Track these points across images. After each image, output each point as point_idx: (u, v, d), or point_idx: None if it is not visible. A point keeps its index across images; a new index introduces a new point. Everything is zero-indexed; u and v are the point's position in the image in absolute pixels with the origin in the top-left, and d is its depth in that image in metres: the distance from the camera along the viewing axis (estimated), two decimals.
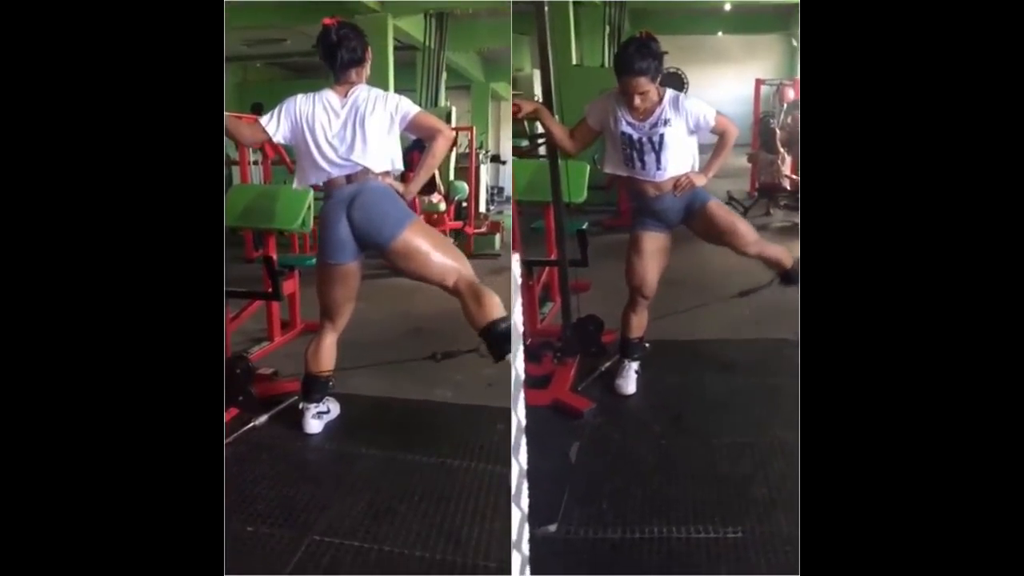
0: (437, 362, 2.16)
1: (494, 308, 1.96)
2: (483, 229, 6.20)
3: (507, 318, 1.91)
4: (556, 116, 2.48)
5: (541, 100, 2.46)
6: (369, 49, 2.14)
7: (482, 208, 6.99)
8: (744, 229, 2.35)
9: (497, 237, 6.12)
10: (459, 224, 5.97)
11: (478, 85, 10.80)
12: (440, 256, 2.05)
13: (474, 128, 6.66)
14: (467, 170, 6.27)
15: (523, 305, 2.29)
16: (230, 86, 9.51)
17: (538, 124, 2.76)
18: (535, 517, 1.50)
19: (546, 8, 2.34)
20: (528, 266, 2.87)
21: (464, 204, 6.21)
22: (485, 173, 7.82)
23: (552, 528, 1.70)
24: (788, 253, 2.45)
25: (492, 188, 8.76)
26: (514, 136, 5.61)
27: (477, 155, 6.55)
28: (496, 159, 8.29)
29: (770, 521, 1.69)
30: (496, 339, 1.93)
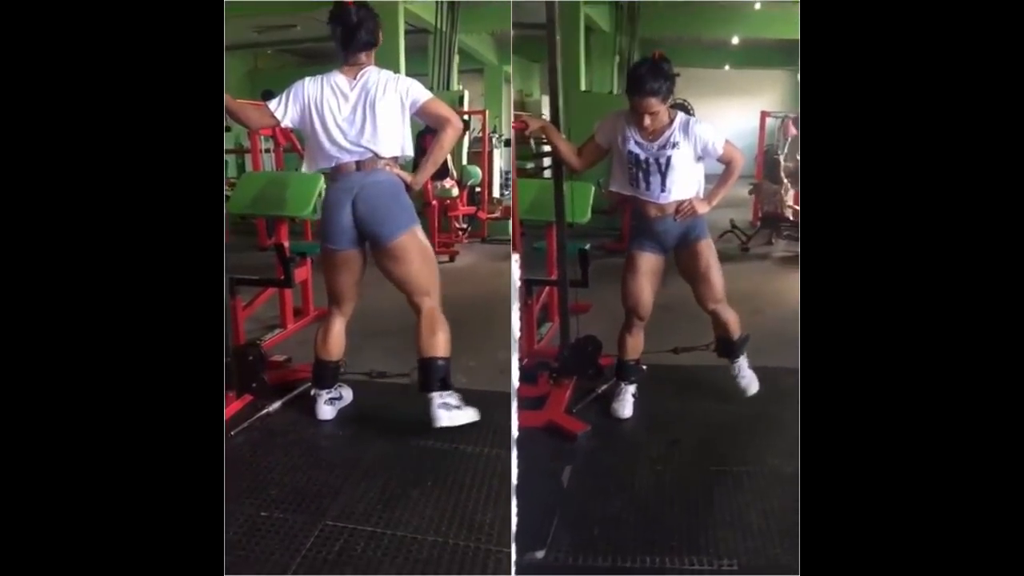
0: (373, 378, 2.34)
1: (442, 344, 2.10)
2: (497, 214, 6.17)
3: (447, 359, 2.10)
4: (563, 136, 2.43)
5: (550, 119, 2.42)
6: (379, 34, 2.10)
7: (496, 193, 6.96)
8: (716, 282, 2.32)
9: (511, 222, 6.08)
10: (472, 209, 5.95)
11: (491, 68, 10.68)
12: (423, 272, 2.12)
13: (487, 112, 6.60)
14: (480, 155, 6.23)
15: (521, 325, 2.27)
16: (241, 74, 9.52)
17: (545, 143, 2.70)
18: (523, 542, 1.47)
19: (556, 33, 2.28)
20: (528, 285, 2.83)
21: (477, 189, 6.18)
22: (499, 157, 7.77)
23: (540, 555, 1.65)
24: (738, 324, 2.41)
25: (506, 172, 8.71)
26: (520, 158, 5.60)
27: (490, 139, 6.50)
28: (510, 143, 8.23)
29: (766, 553, 1.64)
30: (429, 373, 2.08)
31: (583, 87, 7.17)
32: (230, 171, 7.10)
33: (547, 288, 3.14)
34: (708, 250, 2.30)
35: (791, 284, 4.45)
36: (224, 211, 1.44)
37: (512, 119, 2.42)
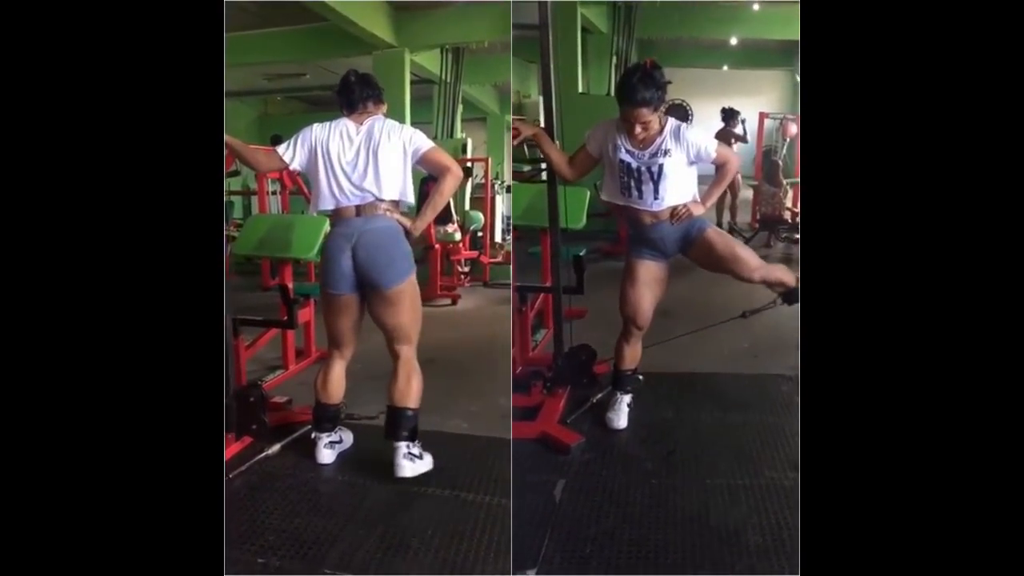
0: (355, 419, 2.31)
1: (414, 395, 2.13)
2: (499, 258, 6.21)
3: (417, 410, 2.12)
4: (557, 142, 2.45)
5: (543, 126, 2.44)
6: (384, 95, 2.19)
7: (497, 238, 7.02)
8: (745, 255, 2.28)
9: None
10: (475, 254, 5.99)
11: (493, 117, 10.93)
12: (411, 321, 2.15)
13: (490, 159, 6.73)
14: (483, 200, 6.31)
15: (515, 332, 2.21)
16: (251, 118, 9.72)
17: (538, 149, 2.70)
18: (514, 559, 1.43)
19: (550, 33, 2.30)
20: (522, 292, 2.81)
21: (480, 234, 6.24)
22: (501, 203, 7.87)
23: (531, 573, 1.61)
24: (790, 273, 2.40)
25: (508, 218, 8.80)
26: (514, 161, 5.61)
27: (493, 185, 6.60)
28: (511, 190, 8.33)
29: (764, 571, 1.60)
30: (399, 422, 2.10)
31: (580, 89, 7.14)
32: (237, 213, 7.18)
33: (541, 295, 3.09)
34: (718, 235, 2.29)
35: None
36: (225, 257, 1.45)
37: (512, 133, 2.42)
